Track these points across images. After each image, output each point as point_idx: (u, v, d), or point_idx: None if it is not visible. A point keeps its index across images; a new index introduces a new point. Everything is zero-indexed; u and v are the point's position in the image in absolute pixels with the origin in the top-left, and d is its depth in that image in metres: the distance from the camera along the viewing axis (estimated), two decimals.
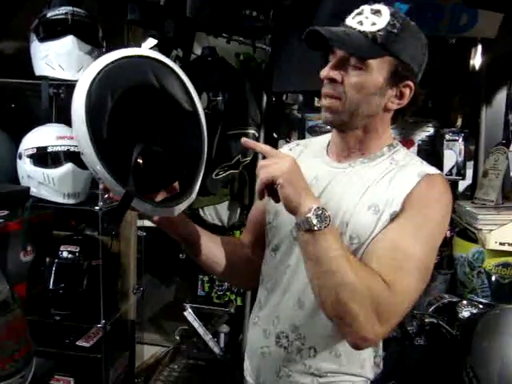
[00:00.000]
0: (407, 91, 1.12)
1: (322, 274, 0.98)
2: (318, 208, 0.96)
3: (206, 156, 1.12)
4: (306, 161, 1.24)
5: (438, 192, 1.09)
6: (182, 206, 1.10)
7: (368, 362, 1.18)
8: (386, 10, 1.08)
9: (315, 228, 0.95)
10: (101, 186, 1.11)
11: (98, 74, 1.00)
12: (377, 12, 1.08)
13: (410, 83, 1.11)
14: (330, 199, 1.13)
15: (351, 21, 1.10)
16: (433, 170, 1.12)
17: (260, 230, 1.32)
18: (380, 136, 1.17)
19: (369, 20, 1.07)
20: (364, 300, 0.95)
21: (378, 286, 0.97)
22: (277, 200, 1.00)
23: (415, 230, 1.04)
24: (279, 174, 0.96)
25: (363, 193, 1.11)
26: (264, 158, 1.02)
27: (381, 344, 1.23)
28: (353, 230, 1.09)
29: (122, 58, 1.03)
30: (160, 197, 1.13)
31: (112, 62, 1.01)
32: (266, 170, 0.98)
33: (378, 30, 1.06)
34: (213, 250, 1.30)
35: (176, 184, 1.15)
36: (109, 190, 1.09)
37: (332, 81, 1.09)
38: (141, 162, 1.08)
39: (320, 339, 1.14)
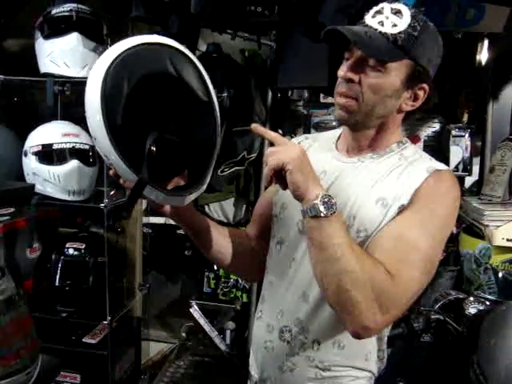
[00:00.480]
0: (421, 93, 1.12)
1: (326, 260, 0.98)
2: (325, 195, 0.97)
3: (219, 146, 1.12)
4: (315, 154, 1.23)
5: (445, 186, 1.08)
6: (193, 196, 1.10)
7: (372, 355, 1.18)
8: (406, 11, 1.07)
9: (321, 214, 0.96)
10: (111, 172, 1.09)
11: (116, 59, 0.99)
12: (398, 12, 1.07)
13: (425, 86, 1.11)
14: (337, 192, 1.13)
15: (371, 20, 1.08)
16: (441, 166, 1.11)
17: (266, 222, 1.32)
18: (391, 134, 1.18)
19: (389, 21, 1.06)
20: (366, 288, 0.95)
21: (381, 275, 0.97)
22: (284, 187, 1.01)
23: (421, 222, 1.04)
24: (288, 161, 0.97)
25: (371, 186, 1.11)
26: (272, 145, 1.02)
27: (385, 339, 1.22)
28: (360, 223, 1.09)
29: (140, 44, 1.02)
30: (171, 186, 1.13)
31: (130, 48, 1.01)
32: (275, 156, 0.98)
33: (399, 33, 1.05)
34: (219, 240, 1.30)
35: (185, 173, 1.15)
36: (119, 177, 1.08)
37: (349, 80, 1.09)
38: (154, 149, 1.07)
39: (323, 332, 1.14)
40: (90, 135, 2.14)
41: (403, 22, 1.06)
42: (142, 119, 1.04)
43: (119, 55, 0.99)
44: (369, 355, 1.18)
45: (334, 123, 2.40)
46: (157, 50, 1.03)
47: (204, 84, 1.08)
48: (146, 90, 1.01)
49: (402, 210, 1.06)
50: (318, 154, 1.23)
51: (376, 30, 1.06)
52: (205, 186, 1.12)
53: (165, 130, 1.08)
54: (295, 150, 0.99)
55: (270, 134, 1.04)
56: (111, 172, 1.09)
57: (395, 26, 1.06)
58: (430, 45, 1.10)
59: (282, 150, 0.99)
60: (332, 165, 1.20)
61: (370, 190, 1.10)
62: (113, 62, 0.98)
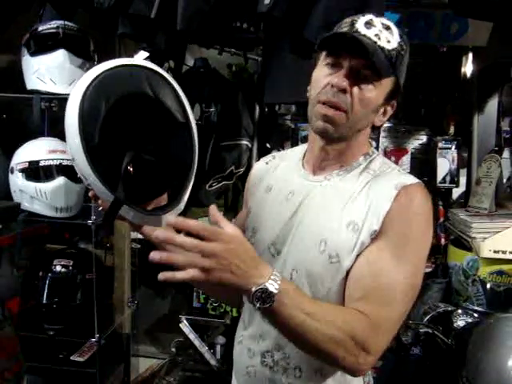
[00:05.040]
0: (390, 109, 1.12)
1: (296, 338, 0.96)
2: (257, 290, 0.88)
3: (196, 167, 1.11)
4: (282, 174, 1.23)
5: (416, 205, 1.05)
6: (170, 216, 1.08)
7: (356, 382, 1.15)
8: (395, 29, 1.07)
9: (262, 308, 0.90)
10: (90, 194, 1.09)
11: (93, 81, 1.00)
12: (388, 28, 1.06)
13: (395, 102, 1.12)
14: (305, 215, 1.12)
15: (367, 31, 1.04)
16: (410, 180, 1.08)
17: None
18: (359, 147, 1.15)
19: (384, 35, 1.04)
20: (348, 345, 0.94)
21: (359, 325, 0.96)
22: None
23: (397, 251, 1.02)
24: (218, 280, 0.86)
25: (341, 209, 1.08)
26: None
27: None
28: (332, 249, 1.06)
29: (117, 66, 1.03)
30: (151, 207, 1.12)
31: (107, 71, 1.02)
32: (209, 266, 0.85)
33: (392, 49, 1.05)
34: None
35: (165, 195, 1.14)
36: (98, 198, 1.07)
37: (341, 90, 1.04)
38: (131, 169, 1.07)
39: (305, 359, 1.11)
40: None
41: (395, 40, 1.05)
42: (120, 140, 1.04)
43: (96, 77, 1.00)
44: (352, 382, 1.14)
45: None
46: (133, 72, 1.04)
47: (181, 105, 1.08)
48: (123, 111, 1.02)
49: (375, 236, 1.04)
50: (286, 174, 1.22)
51: (375, 42, 1.04)
52: (182, 206, 1.10)
53: (142, 150, 1.09)
54: (229, 259, 0.86)
55: (194, 226, 0.87)
56: (91, 193, 1.08)
57: (389, 42, 1.05)
58: (407, 64, 1.11)
59: (218, 260, 0.85)
60: (299, 185, 1.17)
61: (340, 214, 1.07)
62: (90, 84, 0.99)
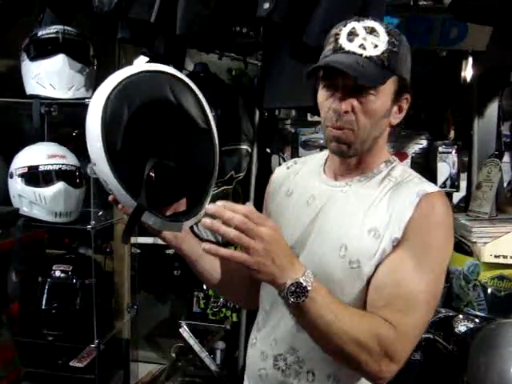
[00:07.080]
0: (405, 104, 1.12)
1: (322, 338, 0.97)
2: (292, 284, 0.91)
3: (216, 173, 1.12)
4: (303, 179, 1.23)
5: (439, 214, 1.05)
6: (190, 223, 1.09)
7: None
8: (380, 28, 1.05)
9: (294, 303, 0.92)
10: (110, 198, 1.09)
11: (116, 86, 1.00)
12: (372, 31, 1.05)
13: (408, 96, 1.11)
14: (326, 220, 1.12)
15: (350, 45, 1.04)
16: (431, 188, 1.08)
17: None
18: (379, 153, 1.16)
19: (369, 42, 1.04)
20: (372, 349, 0.95)
21: (384, 331, 0.97)
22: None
23: (419, 260, 1.02)
24: (257, 266, 0.90)
25: (363, 215, 1.08)
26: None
27: None
28: (352, 254, 1.06)
29: (141, 72, 1.04)
30: (169, 212, 1.12)
31: (130, 76, 1.02)
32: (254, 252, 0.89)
33: (382, 53, 1.03)
34: (216, 267, 1.27)
35: (183, 200, 1.14)
36: (118, 203, 1.07)
37: (343, 112, 1.05)
38: (153, 175, 1.08)
39: (319, 363, 1.11)
40: (76, 156, 2.14)
41: (382, 41, 1.04)
42: (142, 146, 1.05)
43: (120, 83, 1.01)
44: None
45: (322, 141, 2.41)
46: (157, 78, 1.05)
47: (203, 111, 1.08)
48: (145, 117, 1.02)
49: (396, 244, 1.04)
50: (307, 179, 1.22)
51: (361, 55, 1.03)
52: (203, 212, 1.11)
53: (164, 156, 1.09)
54: (269, 251, 0.89)
55: (242, 208, 0.90)
56: (110, 198, 1.08)
57: (376, 46, 1.04)
58: (406, 55, 1.09)
59: (261, 250, 0.89)
60: (320, 190, 1.17)
61: (362, 220, 1.07)
62: (113, 90, 1.00)
